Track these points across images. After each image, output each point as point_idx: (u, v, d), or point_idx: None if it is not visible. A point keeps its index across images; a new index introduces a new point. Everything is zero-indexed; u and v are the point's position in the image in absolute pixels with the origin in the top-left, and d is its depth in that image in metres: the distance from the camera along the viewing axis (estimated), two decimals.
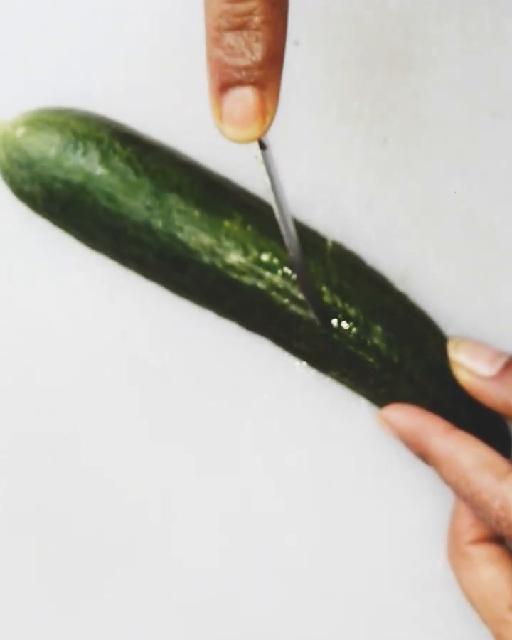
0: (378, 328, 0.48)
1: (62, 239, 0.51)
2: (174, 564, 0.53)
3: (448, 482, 0.47)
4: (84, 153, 0.48)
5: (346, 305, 0.48)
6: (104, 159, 0.48)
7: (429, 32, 0.51)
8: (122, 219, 0.48)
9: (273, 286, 0.48)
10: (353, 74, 0.51)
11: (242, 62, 0.35)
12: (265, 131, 0.37)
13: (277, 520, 0.53)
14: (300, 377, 0.52)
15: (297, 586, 0.53)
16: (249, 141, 0.37)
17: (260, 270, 0.48)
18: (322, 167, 0.52)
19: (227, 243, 0.48)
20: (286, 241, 0.45)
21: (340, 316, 0.48)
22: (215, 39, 0.36)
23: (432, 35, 0.51)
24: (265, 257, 0.48)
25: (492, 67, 0.51)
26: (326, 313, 0.48)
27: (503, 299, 0.51)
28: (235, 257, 0.48)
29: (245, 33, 0.35)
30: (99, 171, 0.48)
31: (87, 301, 0.53)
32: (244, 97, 0.36)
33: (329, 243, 0.50)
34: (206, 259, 0.48)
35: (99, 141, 0.48)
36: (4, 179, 0.50)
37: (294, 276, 0.47)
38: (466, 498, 0.46)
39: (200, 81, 0.39)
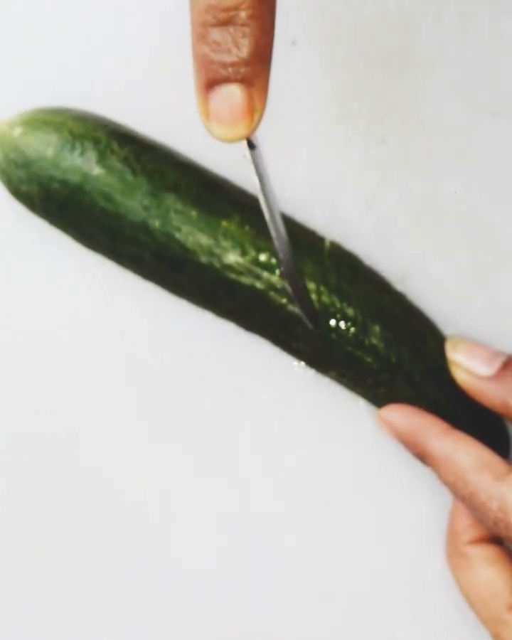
0: (376, 328, 0.48)
1: (60, 239, 0.51)
2: (173, 564, 0.53)
3: (446, 483, 0.47)
4: (82, 153, 0.48)
5: (344, 305, 0.48)
6: (102, 159, 0.48)
7: (428, 31, 0.51)
8: (120, 219, 0.48)
9: (271, 287, 0.48)
10: (352, 74, 0.51)
11: (228, 58, 0.35)
12: (253, 130, 0.36)
13: (276, 521, 0.53)
14: (299, 377, 0.52)
15: (296, 586, 0.53)
16: (237, 139, 0.36)
17: (258, 270, 0.48)
18: (321, 167, 0.52)
19: (225, 243, 0.48)
20: (276, 242, 0.45)
21: (338, 316, 0.48)
22: (200, 35, 0.35)
23: (431, 35, 0.51)
24: (263, 257, 0.48)
25: (491, 67, 0.51)
26: (316, 315, 0.48)
27: (502, 299, 0.51)
28: (232, 257, 0.48)
29: (231, 29, 0.34)
30: (97, 170, 0.48)
31: (85, 301, 0.53)
32: (232, 95, 0.35)
33: (327, 243, 0.50)
34: (204, 259, 0.48)
35: (96, 141, 0.48)
36: (1, 179, 0.50)
37: (285, 278, 0.47)
38: (465, 498, 0.46)
39: None
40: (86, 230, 0.49)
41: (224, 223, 0.48)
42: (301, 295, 0.47)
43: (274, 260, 0.47)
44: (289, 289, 0.47)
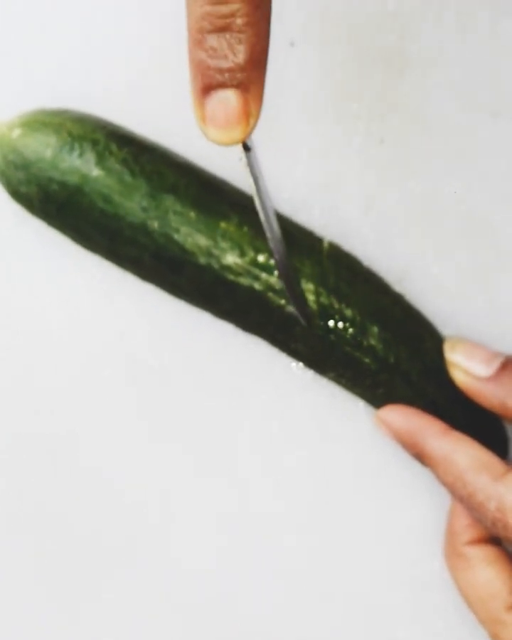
0: (375, 329, 0.48)
1: (59, 240, 0.51)
2: (173, 564, 0.53)
3: (444, 483, 0.47)
4: (81, 155, 0.48)
5: (343, 306, 0.48)
6: (100, 160, 0.48)
7: (427, 32, 0.51)
8: (118, 220, 0.48)
9: (269, 287, 0.48)
10: (351, 74, 0.51)
11: (224, 64, 0.35)
12: (249, 134, 0.36)
13: (275, 521, 0.53)
14: (298, 377, 0.52)
15: (295, 586, 0.53)
16: (232, 143, 0.36)
17: (256, 271, 0.48)
18: (319, 167, 0.52)
19: (224, 244, 0.48)
20: (271, 243, 0.45)
21: (336, 316, 0.48)
22: (197, 41, 0.35)
23: (430, 35, 0.51)
24: (261, 258, 0.48)
25: (490, 67, 0.51)
26: (310, 317, 0.48)
27: (500, 299, 0.51)
28: (231, 258, 0.48)
29: (228, 35, 0.35)
30: (95, 172, 0.48)
31: (85, 302, 0.53)
32: (227, 99, 0.35)
33: (326, 244, 0.50)
34: (202, 260, 0.48)
35: (95, 143, 0.48)
36: (0, 181, 0.50)
37: (280, 279, 0.47)
38: (463, 499, 0.46)
39: None
40: (85, 231, 0.49)
41: (222, 224, 0.48)
42: (295, 294, 0.47)
43: (272, 261, 0.48)
44: (286, 290, 0.47)
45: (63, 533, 0.54)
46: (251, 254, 0.48)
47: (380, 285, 0.50)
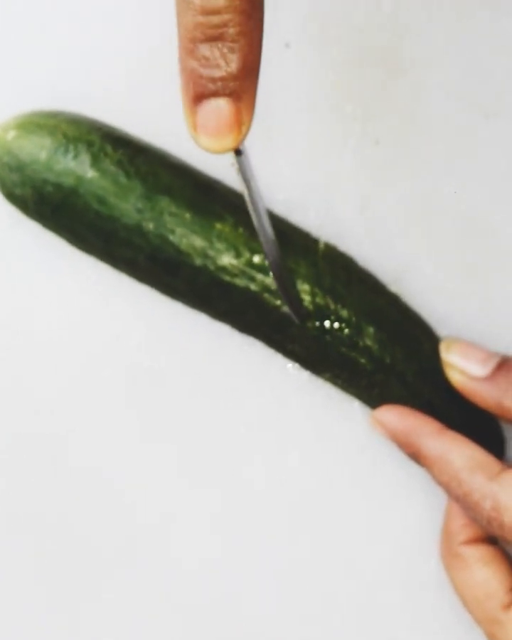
0: (370, 330, 0.48)
1: (54, 242, 0.51)
2: (172, 564, 0.53)
3: (440, 483, 0.47)
4: (75, 156, 0.48)
5: (338, 306, 0.48)
6: (95, 162, 0.48)
7: (422, 32, 0.51)
8: (113, 222, 0.48)
9: (265, 288, 0.48)
10: (346, 75, 0.51)
11: (217, 73, 0.35)
12: (240, 142, 0.36)
13: (271, 521, 0.53)
14: (293, 378, 0.52)
15: (290, 586, 0.53)
16: (224, 151, 0.36)
17: (252, 272, 0.48)
18: (315, 168, 0.51)
19: (219, 245, 0.48)
20: (265, 247, 0.45)
21: (332, 317, 0.48)
22: (188, 50, 0.35)
23: (425, 36, 0.51)
24: (257, 259, 0.48)
25: (485, 67, 0.51)
26: (304, 315, 0.48)
27: (496, 300, 0.51)
28: (226, 259, 0.48)
29: (220, 44, 0.34)
30: (90, 173, 0.48)
31: (81, 304, 0.53)
32: (219, 108, 0.35)
33: (321, 244, 0.50)
34: (198, 261, 0.48)
35: (90, 144, 0.48)
36: None
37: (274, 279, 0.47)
38: (458, 498, 0.46)
39: None
40: (80, 233, 0.49)
41: (218, 225, 0.48)
42: (288, 293, 0.47)
43: (267, 262, 0.48)
44: (280, 294, 0.47)
45: (63, 533, 0.54)
46: (247, 255, 0.48)
47: (375, 286, 0.50)
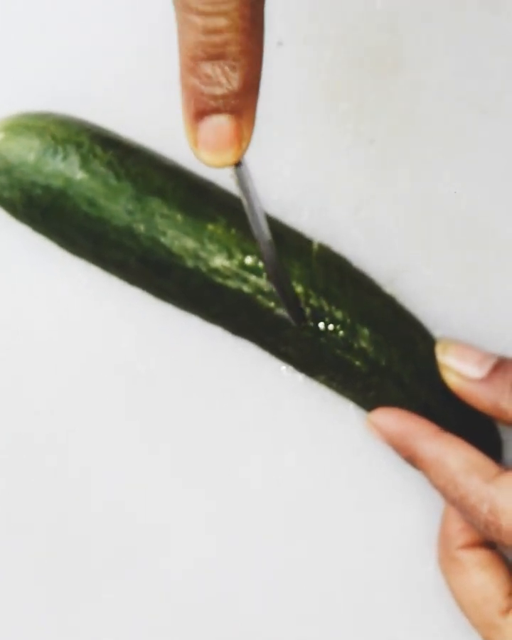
0: (365, 331, 0.48)
1: (44, 245, 0.51)
2: (171, 564, 0.53)
3: (436, 486, 0.46)
4: (64, 158, 0.48)
5: (333, 308, 0.48)
6: (85, 163, 0.47)
7: (416, 30, 0.51)
8: (103, 223, 0.47)
9: (258, 290, 0.47)
10: (340, 74, 0.51)
11: (219, 91, 0.35)
12: (241, 157, 0.37)
13: (267, 524, 0.53)
14: (288, 381, 0.51)
15: (287, 587, 0.53)
16: (225, 166, 0.37)
17: (245, 274, 0.47)
18: (309, 168, 0.51)
19: (211, 247, 0.47)
20: (264, 255, 0.44)
21: (326, 319, 0.48)
22: (190, 68, 0.35)
23: (419, 34, 0.51)
24: (249, 261, 0.47)
25: (480, 65, 0.51)
26: (302, 318, 0.47)
27: (492, 300, 0.51)
28: (219, 261, 0.47)
29: (222, 63, 0.35)
30: (80, 175, 0.47)
31: (71, 307, 0.52)
32: (220, 125, 0.35)
33: (315, 245, 0.49)
34: (190, 263, 0.47)
35: (79, 146, 0.48)
36: None
37: (271, 283, 0.47)
38: (455, 501, 0.46)
39: None
40: (70, 235, 0.48)
41: (210, 227, 0.48)
42: (286, 296, 0.47)
43: (260, 263, 0.47)
44: (279, 298, 0.46)
45: (63, 534, 0.54)
46: (239, 256, 0.47)
47: (370, 287, 0.50)
